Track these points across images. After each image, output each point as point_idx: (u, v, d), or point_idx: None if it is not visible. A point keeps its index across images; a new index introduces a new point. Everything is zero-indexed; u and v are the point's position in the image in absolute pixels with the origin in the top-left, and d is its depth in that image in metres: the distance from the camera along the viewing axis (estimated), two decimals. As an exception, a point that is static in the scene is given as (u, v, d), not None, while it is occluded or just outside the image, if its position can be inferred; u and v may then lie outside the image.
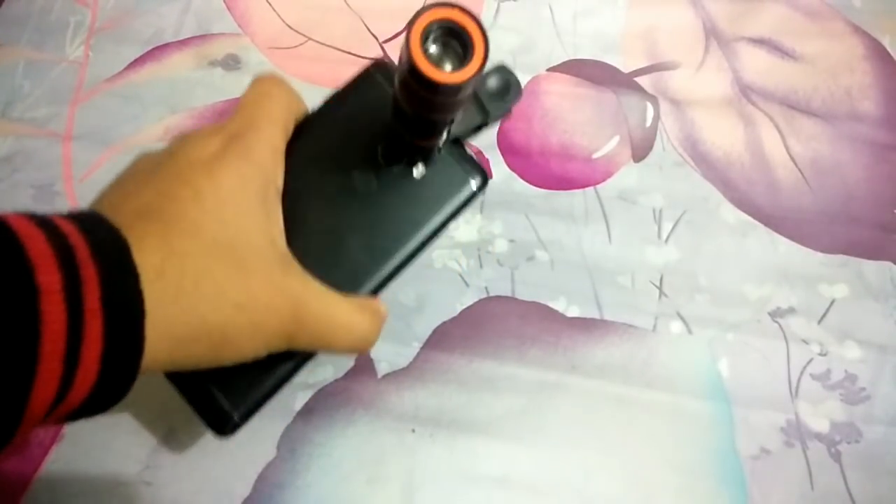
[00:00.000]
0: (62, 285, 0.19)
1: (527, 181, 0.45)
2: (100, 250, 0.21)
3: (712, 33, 0.53)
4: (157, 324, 0.21)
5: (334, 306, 0.27)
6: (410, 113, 0.25)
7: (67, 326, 0.19)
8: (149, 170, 0.27)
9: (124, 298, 0.21)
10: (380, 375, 0.37)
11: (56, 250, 0.20)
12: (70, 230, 0.21)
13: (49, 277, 0.19)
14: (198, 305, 0.23)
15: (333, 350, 0.27)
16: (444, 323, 0.39)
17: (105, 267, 0.20)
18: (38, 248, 0.19)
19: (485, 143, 0.46)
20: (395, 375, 0.37)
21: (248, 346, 0.25)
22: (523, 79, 0.49)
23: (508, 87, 0.28)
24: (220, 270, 0.23)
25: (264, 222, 0.25)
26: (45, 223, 0.20)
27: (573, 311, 0.40)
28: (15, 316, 0.18)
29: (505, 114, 0.28)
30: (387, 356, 0.38)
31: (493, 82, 0.28)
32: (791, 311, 0.41)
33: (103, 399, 0.22)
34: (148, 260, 0.22)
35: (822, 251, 0.43)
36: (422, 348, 0.38)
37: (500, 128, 0.47)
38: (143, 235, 0.22)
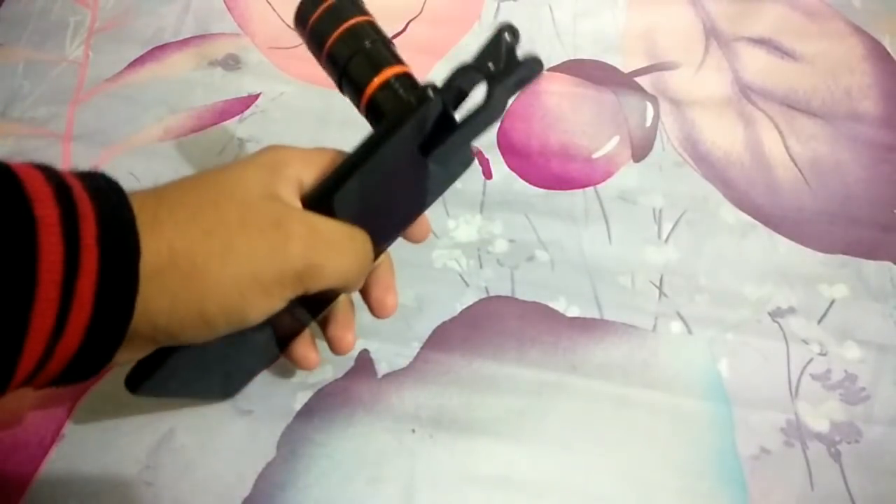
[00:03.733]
0: (59, 218, 0.20)
1: (527, 181, 0.45)
2: (96, 191, 0.22)
3: (712, 33, 0.53)
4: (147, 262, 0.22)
5: (319, 220, 0.27)
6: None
7: (64, 258, 0.20)
8: None
9: (120, 235, 0.22)
10: (380, 375, 0.37)
11: (54, 188, 0.21)
12: (67, 174, 0.22)
13: (47, 211, 0.20)
14: (168, 232, 0.23)
15: (325, 277, 0.26)
16: (444, 323, 0.39)
17: (101, 205, 0.21)
18: (37, 185, 0.20)
19: (485, 143, 0.46)
20: (394, 375, 0.37)
21: (225, 274, 0.24)
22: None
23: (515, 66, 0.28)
24: (196, 202, 0.24)
25: (260, 178, 0.26)
26: (44, 167, 0.21)
27: (573, 311, 0.40)
28: (14, 245, 0.19)
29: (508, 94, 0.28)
30: (386, 356, 0.38)
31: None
32: (791, 311, 0.41)
33: (99, 346, 0.22)
34: (141, 202, 0.23)
35: (822, 251, 0.43)
36: (422, 348, 0.38)
37: (500, 128, 0.47)
38: (139, 191, 0.24)
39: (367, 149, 0.27)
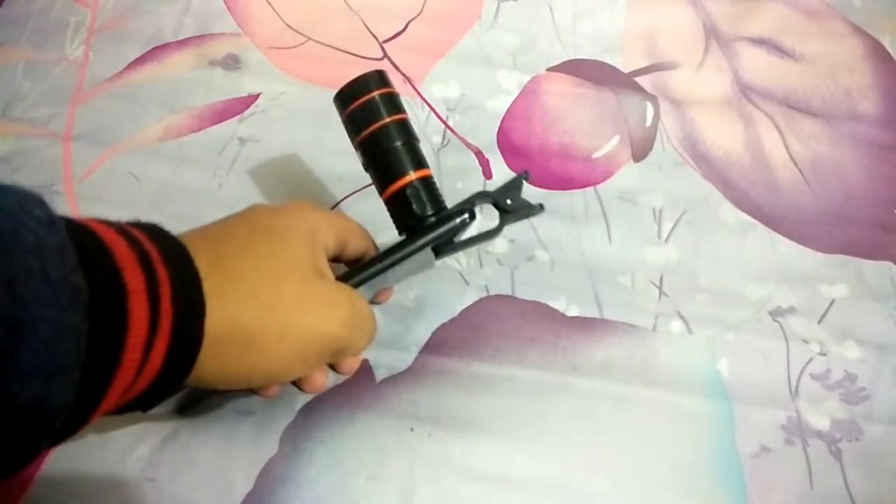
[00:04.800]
0: (145, 286, 0.22)
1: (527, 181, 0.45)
2: (168, 255, 0.23)
3: (712, 33, 0.53)
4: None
5: (359, 301, 0.30)
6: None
7: (149, 322, 0.22)
8: None
9: (189, 299, 0.24)
10: (378, 381, 0.37)
11: (136, 255, 0.22)
12: (142, 237, 0.23)
13: (135, 279, 0.21)
14: (232, 304, 0.25)
15: (351, 351, 0.31)
16: (443, 326, 0.39)
17: (173, 270, 0.23)
18: (123, 253, 0.22)
19: (485, 143, 0.46)
20: (393, 379, 0.37)
21: (278, 350, 0.27)
22: (523, 79, 0.49)
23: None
24: (256, 274, 0.26)
25: (307, 250, 0.29)
26: (122, 230, 0.23)
27: (573, 311, 0.40)
28: (107, 313, 0.20)
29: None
30: (385, 362, 0.38)
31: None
32: (791, 310, 0.41)
33: (155, 396, 0.24)
34: (206, 270, 0.25)
35: (822, 251, 0.43)
36: (420, 353, 0.38)
37: (500, 127, 0.47)
38: (198, 245, 0.25)
39: (398, 256, 0.32)
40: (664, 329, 0.40)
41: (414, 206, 0.32)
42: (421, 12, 0.52)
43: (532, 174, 0.45)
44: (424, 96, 0.48)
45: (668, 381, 0.38)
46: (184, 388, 0.31)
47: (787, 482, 0.35)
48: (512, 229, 0.42)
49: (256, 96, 0.47)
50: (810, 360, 0.39)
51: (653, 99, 0.49)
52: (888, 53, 0.52)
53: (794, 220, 0.44)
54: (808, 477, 0.35)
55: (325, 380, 0.34)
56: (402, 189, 0.32)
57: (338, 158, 0.44)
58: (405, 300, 0.40)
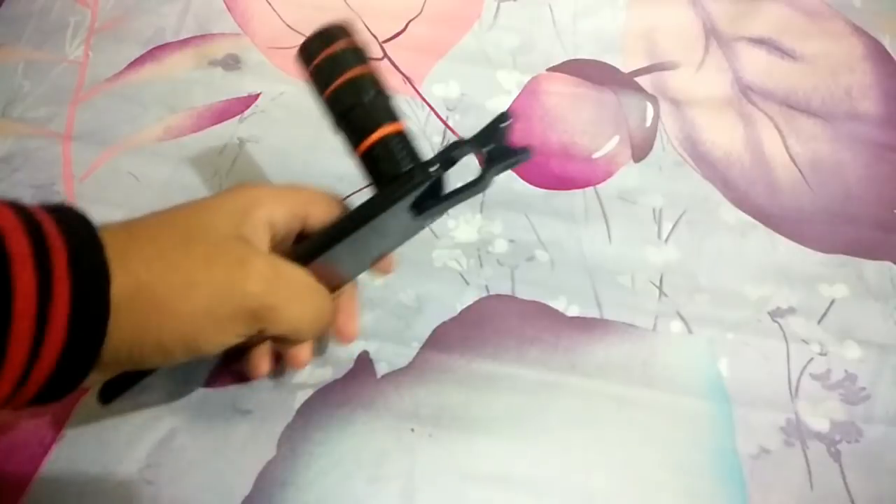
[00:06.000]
0: (31, 251, 0.21)
1: (527, 181, 0.45)
2: (66, 224, 0.23)
3: (712, 33, 0.53)
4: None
5: (285, 266, 0.28)
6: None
7: (37, 288, 0.21)
8: None
9: (90, 267, 0.23)
10: (379, 376, 0.37)
11: (23, 221, 0.22)
12: (37, 209, 0.23)
13: (19, 244, 0.21)
14: (136, 265, 0.24)
15: (279, 321, 0.27)
16: (444, 323, 0.39)
17: (71, 238, 0.22)
18: (6, 220, 0.21)
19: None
20: (394, 375, 0.37)
21: (184, 309, 0.25)
22: (523, 79, 0.49)
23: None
24: (164, 237, 0.26)
25: (229, 221, 0.27)
26: (11, 203, 0.23)
27: (573, 311, 0.40)
28: None
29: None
30: (386, 356, 0.38)
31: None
32: (791, 311, 0.41)
33: (72, 370, 0.23)
34: (112, 235, 0.24)
35: (822, 251, 0.43)
36: (421, 348, 0.38)
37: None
38: (110, 224, 0.25)
39: (362, 218, 0.29)
40: (664, 329, 0.40)
41: (385, 162, 0.30)
42: (421, 12, 0.52)
43: (532, 174, 0.45)
44: (424, 96, 0.48)
45: (667, 381, 0.38)
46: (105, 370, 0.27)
47: (787, 483, 0.35)
48: (512, 229, 0.42)
49: (256, 96, 0.47)
50: (810, 360, 0.39)
51: (653, 99, 0.49)
52: (888, 53, 0.52)
53: (794, 220, 0.44)
54: (808, 478, 0.35)
55: (307, 356, 0.33)
56: (373, 145, 0.30)
57: (338, 158, 0.44)
58: (406, 298, 0.40)
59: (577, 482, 0.35)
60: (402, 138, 0.31)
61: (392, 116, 0.31)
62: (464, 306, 0.40)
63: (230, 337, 0.26)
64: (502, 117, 0.31)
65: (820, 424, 0.37)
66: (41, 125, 0.45)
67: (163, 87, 0.47)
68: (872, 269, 0.43)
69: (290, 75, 0.48)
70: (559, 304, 0.40)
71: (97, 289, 0.23)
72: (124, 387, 0.29)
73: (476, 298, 0.40)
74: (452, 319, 0.39)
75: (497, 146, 0.31)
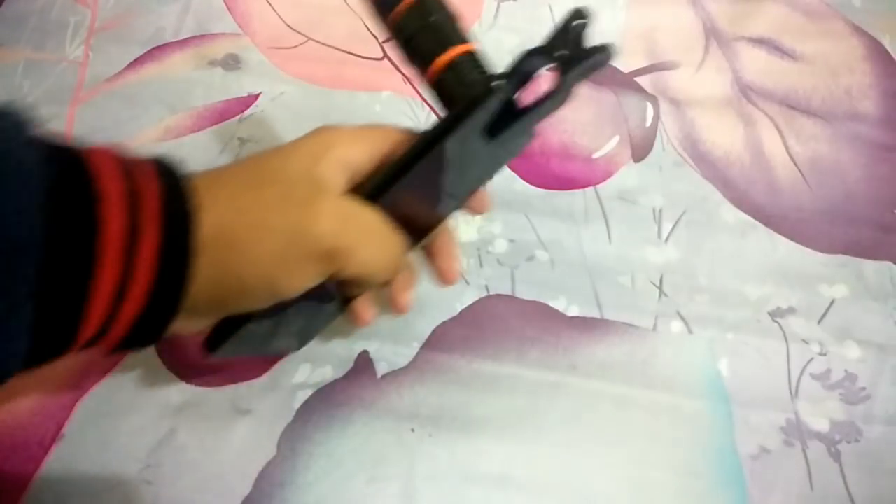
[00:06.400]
0: (123, 193, 0.22)
1: (527, 181, 0.45)
2: (162, 169, 0.24)
3: (712, 33, 0.53)
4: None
5: (356, 207, 0.27)
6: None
7: (126, 227, 0.22)
8: None
9: (180, 209, 0.24)
10: (379, 375, 0.37)
11: (120, 165, 0.23)
12: (139, 158, 0.24)
13: (111, 185, 0.22)
14: (214, 209, 0.25)
15: (352, 263, 0.26)
16: (444, 323, 0.39)
17: (164, 181, 0.23)
18: (104, 161, 0.22)
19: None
20: (394, 375, 0.37)
21: (258, 250, 0.25)
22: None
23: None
24: (239, 180, 0.26)
25: (304, 163, 0.27)
26: (111, 149, 0.24)
27: (573, 311, 0.40)
28: (79, 217, 0.21)
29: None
30: (386, 356, 0.38)
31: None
32: (791, 311, 0.41)
33: (158, 312, 0.24)
34: (203, 182, 0.25)
35: (822, 251, 0.43)
36: (421, 348, 0.38)
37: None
38: (203, 171, 0.26)
39: (429, 143, 0.27)
40: (664, 329, 0.40)
41: (454, 86, 0.28)
42: (421, 12, 0.52)
43: (532, 174, 0.45)
44: (425, 96, 0.48)
45: (667, 381, 0.38)
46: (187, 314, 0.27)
47: (787, 483, 0.35)
48: (512, 229, 0.42)
49: (256, 96, 0.47)
50: (810, 360, 0.39)
51: (653, 99, 0.49)
52: (888, 53, 0.52)
53: (794, 220, 0.44)
54: (808, 478, 0.35)
55: (370, 316, 0.33)
56: (442, 70, 0.28)
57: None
58: (405, 300, 0.40)
59: (577, 482, 0.35)
60: (471, 59, 0.28)
61: (462, 38, 0.29)
62: (464, 306, 0.40)
63: (306, 279, 0.26)
64: (577, 14, 0.27)
65: (820, 424, 0.37)
66: (41, 125, 0.45)
67: (163, 87, 0.47)
68: (872, 269, 0.42)
69: (290, 75, 0.48)
70: (559, 304, 0.40)
71: (184, 232, 0.23)
72: (227, 334, 0.29)
73: (476, 298, 0.40)
74: (452, 319, 0.39)
75: (574, 49, 0.27)
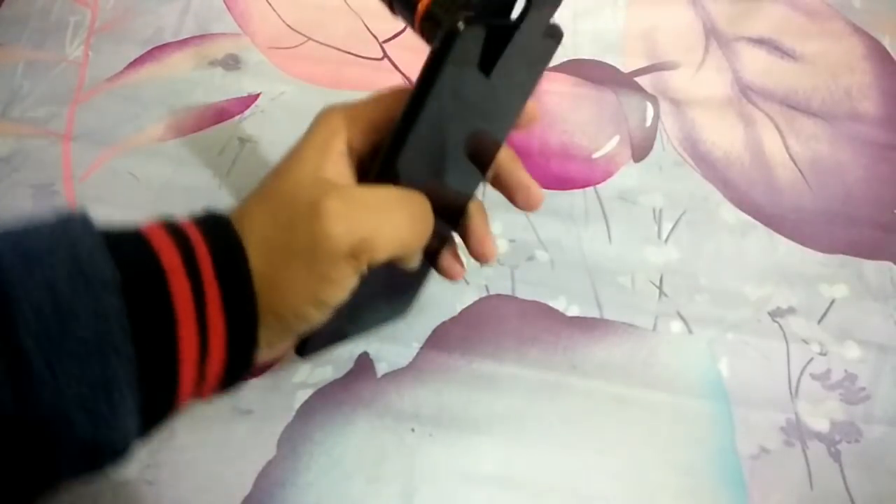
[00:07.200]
0: (182, 263, 0.23)
1: (527, 181, 0.45)
2: (207, 228, 0.25)
3: (712, 33, 0.53)
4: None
5: (360, 192, 0.26)
6: None
7: (193, 294, 0.23)
8: None
9: (232, 262, 0.24)
10: (379, 375, 0.37)
11: (173, 235, 0.23)
12: (183, 221, 0.25)
13: (172, 262, 0.23)
14: (254, 256, 0.25)
15: (380, 248, 0.26)
16: (444, 323, 0.39)
17: (213, 242, 0.24)
18: (159, 237, 0.23)
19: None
20: (394, 375, 0.37)
21: (291, 279, 0.25)
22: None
23: None
24: (262, 212, 0.26)
25: (314, 165, 0.27)
26: (162, 220, 0.24)
27: (573, 311, 0.40)
28: (150, 296, 0.22)
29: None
30: (386, 356, 0.38)
31: None
32: (791, 311, 0.41)
33: (240, 354, 0.25)
34: (239, 222, 0.25)
35: (822, 251, 0.43)
36: (421, 348, 0.38)
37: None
38: (236, 214, 0.26)
39: (412, 109, 0.25)
40: (664, 329, 0.40)
41: (436, 27, 0.24)
42: (421, 12, 0.52)
43: (532, 174, 0.45)
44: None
45: (668, 381, 0.38)
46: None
47: (787, 483, 0.35)
48: (512, 229, 0.42)
49: (256, 96, 0.47)
50: (810, 360, 0.39)
51: (653, 99, 0.49)
52: (888, 53, 0.52)
53: (794, 220, 0.44)
54: (808, 478, 0.35)
55: (461, 268, 0.33)
56: (425, 11, 0.25)
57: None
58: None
59: (577, 482, 0.35)
60: None
61: None
62: (464, 306, 0.40)
63: (345, 282, 0.26)
64: None
65: (820, 424, 0.37)
66: (41, 125, 0.45)
67: (163, 87, 0.47)
68: (872, 269, 0.43)
69: (290, 75, 0.48)
70: (559, 304, 0.40)
71: (242, 284, 0.24)
72: (307, 337, 0.29)
73: (476, 298, 0.40)
74: (452, 319, 0.39)
75: None
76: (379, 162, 0.26)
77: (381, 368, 0.37)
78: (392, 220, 0.26)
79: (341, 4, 0.52)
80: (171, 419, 0.24)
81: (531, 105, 0.30)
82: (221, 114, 0.46)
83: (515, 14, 0.25)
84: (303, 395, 0.36)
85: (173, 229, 0.24)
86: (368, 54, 0.50)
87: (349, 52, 0.50)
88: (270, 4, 0.52)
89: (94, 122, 0.45)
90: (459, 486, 0.34)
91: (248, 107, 0.47)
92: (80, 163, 0.43)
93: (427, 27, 0.26)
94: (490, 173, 0.31)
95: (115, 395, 0.21)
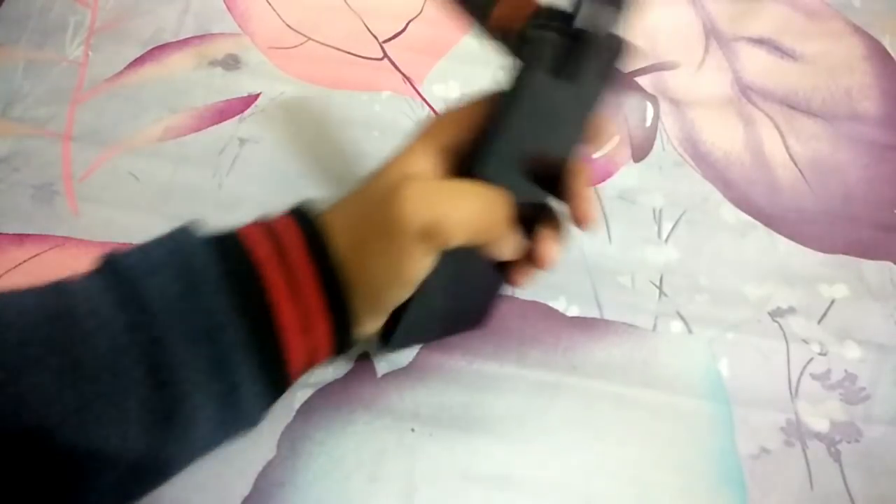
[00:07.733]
0: (272, 252, 0.27)
1: (527, 181, 0.45)
2: (300, 222, 0.28)
3: (712, 33, 0.53)
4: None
5: (435, 181, 0.29)
6: None
7: (287, 283, 0.26)
8: None
9: (321, 247, 0.27)
10: (379, 375, 0.37)
11: (267, 233, 0.27)
12: (275, 218, 0.29)
13: (263, 250, 0.27)
14: (343, 247, 0.28)
15: (451, 230, 0.27)
16: (444, 323, 0.39)
17: (309, 240, 0.28)
18: (252, 232, 0.27)
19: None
20: (394, 375, 0.37)
21: (378, 255, 0.27)
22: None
23: None
24: (356, 200, 0.29)
25: (404, 164, 0.29)
26: (257, 222, 0.28)
27: (573, 311, 0.40)
28: (245, 280, 0.26)
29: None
30: (386, 356, 0.38)
31: None
32: (791, 311, 0.41)
33: (340, 317, 0.27)
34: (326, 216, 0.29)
35: (822, 251, 0.43)
36: (421, 348, 0.38)
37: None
38: (330, 215, 0.29)
39: (499, 120, 0.28)
40: (664, 329, 0.40)
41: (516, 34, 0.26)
42: (421, 12, 0.52)
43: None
44: (424, 96, 0.48)
45: (667, 381, 0.38)
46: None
47: (788, 483, 0.35)
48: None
49: (256, 96, 0.47)
50: (810, 360, 0.39)
51: (653, 99, 0.49)
52: (888, 53, 0.52)
53: (794, 220, 0.44)
54: (808, 478, 0.35)
55: (523, 279, 0.33)
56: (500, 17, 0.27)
57: (338, 159, 0.44)
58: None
59: (577, 482, 0.35)
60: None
61: None
62: (464, 306, 0.40)
63: (420, 262, 0.27)
64: None
65: (820, 424, 0.37)
66: (41, 125, 0.45)
67: (163, 87, 0.47)
68: (872, 269, 0.43)
69: (290, 75, 0.48)
70: (559, 305, 0.40)
71: (327, 266, 0.27)
72: (394, 327, 0.31)
73: (476, 298, 0.40)
74: (452, 319, 0.39)
75: None
76: (467, 160, 0.28)
77: (381, 368, 0.37)
78: (464, 207, 0.28)
79: (341, 4, 0.52)
80: (292, 384, 0.28)
81: (606, 121, 0.31)
82: (221, 114, 0.46)
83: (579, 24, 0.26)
84: (303, 395, 0.36)
85: (265, 226, 0.28)
86: (368, 54, 0.50)
87: (349, 52, 0.50)
88: (270, 4, 0.52)
89: (93, 121, 0.45)
90: (459, 486, 0.34)
91: (248, 107, 0.47)
92: (79, 163, 0.43)
93: (514, 39, 0.28)
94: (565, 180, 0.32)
95: (232, 362, 0.25)
